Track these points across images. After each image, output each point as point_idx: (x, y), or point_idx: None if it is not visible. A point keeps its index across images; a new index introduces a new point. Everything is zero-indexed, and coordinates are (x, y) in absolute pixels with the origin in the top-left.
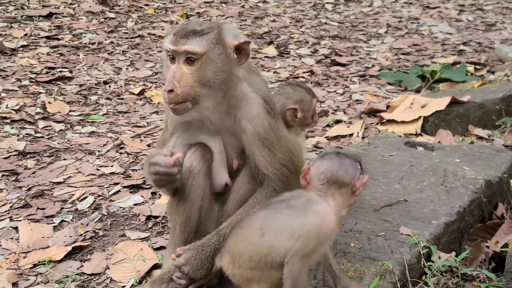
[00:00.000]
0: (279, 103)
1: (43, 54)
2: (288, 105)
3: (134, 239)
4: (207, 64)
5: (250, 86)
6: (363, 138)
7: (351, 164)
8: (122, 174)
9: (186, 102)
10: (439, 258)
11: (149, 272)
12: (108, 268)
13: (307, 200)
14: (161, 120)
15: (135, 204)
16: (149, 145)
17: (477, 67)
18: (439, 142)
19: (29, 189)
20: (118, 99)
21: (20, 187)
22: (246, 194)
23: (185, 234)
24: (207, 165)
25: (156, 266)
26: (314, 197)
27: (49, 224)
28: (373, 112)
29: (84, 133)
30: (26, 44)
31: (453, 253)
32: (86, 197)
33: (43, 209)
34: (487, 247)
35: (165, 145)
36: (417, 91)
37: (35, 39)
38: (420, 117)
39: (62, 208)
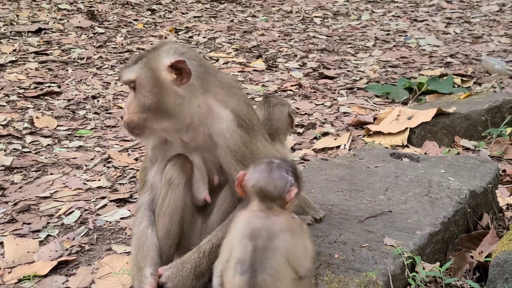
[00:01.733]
0: (281, 111)
1: (31, 69)
2: (290, 110)
3: (120, 253)
4: (140, 89)
5: (216, 101)
6: (349, 150)
7: (279, 177)
8: (109, 188)
9: (137, 126)
10: (423, 268)
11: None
12: (94, 283)
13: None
14: None
15: (121, 218)
16: (136, 159)
17: (464, 79)
18: (425, 153)
19: (15, 204)
20: (106, 113)
21: (6, 202)
22: (230, 207)
23: (166, 247)
24: (186, 177)
25: None
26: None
27: (35, 239)
28: (360, 124)
29: (72, 147)
30: (14, 59)
31: (438, 264)
32: (72, 212)
33: (29, 224)
34: (472, 257)
35: (147, 175)
36: (404, 103)
37: (24, 54)
38: (406, 128)
39: (48, 222)
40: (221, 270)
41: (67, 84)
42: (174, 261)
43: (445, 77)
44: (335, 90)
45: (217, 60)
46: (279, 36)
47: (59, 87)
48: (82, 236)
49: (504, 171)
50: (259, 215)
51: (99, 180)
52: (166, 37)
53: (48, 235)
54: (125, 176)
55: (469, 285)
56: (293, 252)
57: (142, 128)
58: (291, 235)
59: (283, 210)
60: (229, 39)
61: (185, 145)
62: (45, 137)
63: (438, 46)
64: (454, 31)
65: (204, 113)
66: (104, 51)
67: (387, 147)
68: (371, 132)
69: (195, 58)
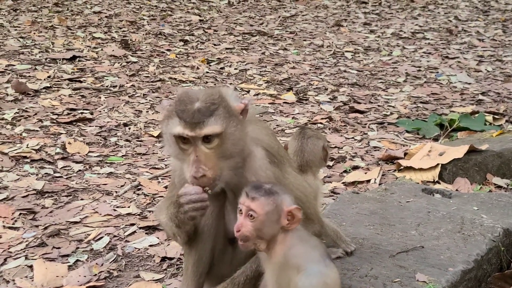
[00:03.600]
0: (315, 143)
1: (65, 95)
2: (325, 143)
3: (148, 280)
4: (227, 139)
5: (251, 138)
6: (380, 184)
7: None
8: (138, 215)
9: (216, 179)
10: None
11: None
12: None
13: None
14: None
15: (150, 245)
16: (166, 187)
17: (496, 116)
18: (456, 190)
19: (45, 228)
20: (137, 141)
21: (37, 226)
22: None
23: (197, 275)
24: (219, 206)
25: None
26: None
27: (64, 263)
28: (390, 159)
29: (103, 173)
30: (49, 85)
31: None
32: (102, 237)
33: (59, 248)
34: None
35: None
36: (435, 139)
37: (58, 81)
38: (438, 164)
39: (78, 247)
40: None
41: (99, 111)
42: None
43: (476, 115)
44: (366, 124)
45: (248, 92)
46: (310, 70)
47: (92, 113)
48: (110, 262)
49: None
50: None
51: (128, 207)
52: (198, 68)
53: (77, 260)
54: (155, 204)
55: None
56: None
57: (220, 177)
58: None
59: None
60: (260, 71)
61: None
62: (77, 162)
63: (469, 84)
64: (485, 69)
65: (246, 152)
66: (136, 80)
67: (418, 183)
68: (402, 167)
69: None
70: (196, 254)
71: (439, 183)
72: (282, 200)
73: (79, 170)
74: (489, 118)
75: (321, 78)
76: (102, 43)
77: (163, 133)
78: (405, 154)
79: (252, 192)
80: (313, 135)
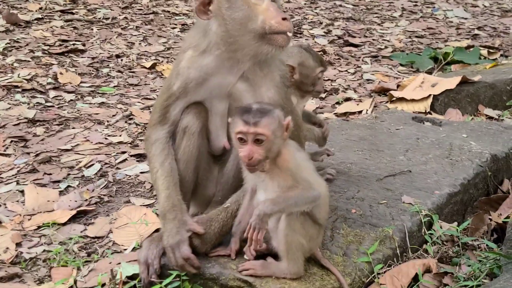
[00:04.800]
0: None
1: (57, 27)
2: (287, 62)
3: (139, 205)
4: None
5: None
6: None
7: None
8: (130, 143)
9: None
10: (441, 227)
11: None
12: (111, 232)
13: None
14: None
15: (141, 172)
16: None
17: (491, 50)
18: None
19: (37, 155)
20: (129, 72)
21: (28, 153)
22: None
23: (181, 194)
24: (201, 125)
25: (158, 230)
26: None
27: (55, 189)
28: (383, 91)
29: (94, 103)
30: (40, 17)
31: (455, 224)
32: (93, 164)
33: (50, 174)
34: (490, 219)
35: (169, 113)
36: (429, 72)
37: (50, 12)
38: (430, 95)
39: (69, 174)
40: None
41: (92, 42)
42: (199, 216)
43: (471, 49)
44: (360, 57)
45: None
46: (305, 4)
47: (84, 45)
48: (101, 188)
49: None
50: None
51: (120, 136)
52: (191, 0)
53: (68, 186)
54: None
55: (486, 244)
56: None
57: None
58: None
59: None
60: None
61: (224, 91)
62: (68, 92)
63: (466, 19)
64: (483, 4)
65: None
66: (129, 12)
67: (410, 112)
68: (394, 98)
69: None
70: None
71: (431, 113)
72: (278, 114)
73: (71, 100)
74: (484, 52)
75: (316, 12)
76: None
77: None
78: (398, 86)
79: (251, 118)
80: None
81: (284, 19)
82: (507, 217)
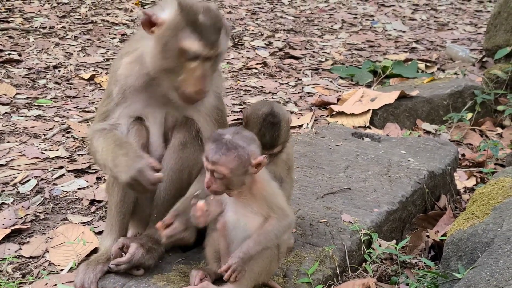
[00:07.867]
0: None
1: None
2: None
3: (76, 223)
4: None
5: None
6: (312, 129)
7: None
8: (67, 158)
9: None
10: (380, 245)
11: (89, 256)
12: (47, 251)
13: None
14: None
15: (79, 188)
16: None
17: (428, 64)
18: (387, 135)
19: None
20: (67, 83)
21: None
22: (177, 163)
23: (121, 215)
24: (141, 144)
25: (96, 250)
26: None
27: None
28: (323, 105)
29: (30, 116)
30: None
31: (394, 241)
32: (28, 180)
33: None
34: (428, 236)
35: (109, 116)
36: (368, 86)
37: None
38: (369, 110)
39: (3, 190)
40: None
41: (28, 52)
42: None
43: (409, 62)
44: (300, 70)
45: None
46: (246, 15)
47: (20, 55)
48: (37, 205)
49: (463, 155)
50: None
51: (57, 150)
52: (131, 10)
53: (2, 203)
54: (84, 147)
55: (424, 262)
56: None
57: None
58: None
59: None
60: None
61: (161, 100)
62: (3, 104)
63: (404, 32)
64: (420, 18)
65: None
66: (67, 21)
67: (350, 128)
68: (334, 112)
69: None
70: (118, 194)
71: (370, 128)
72: (248, 153)
73: (6, 113)
74: (422, 65)
75: (257, 24)
76: None
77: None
78: (338, 100)
79: (213, 152)
80: None
81: (201, 89)
82: (444, 234)
